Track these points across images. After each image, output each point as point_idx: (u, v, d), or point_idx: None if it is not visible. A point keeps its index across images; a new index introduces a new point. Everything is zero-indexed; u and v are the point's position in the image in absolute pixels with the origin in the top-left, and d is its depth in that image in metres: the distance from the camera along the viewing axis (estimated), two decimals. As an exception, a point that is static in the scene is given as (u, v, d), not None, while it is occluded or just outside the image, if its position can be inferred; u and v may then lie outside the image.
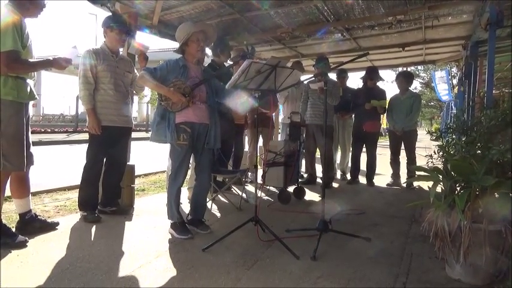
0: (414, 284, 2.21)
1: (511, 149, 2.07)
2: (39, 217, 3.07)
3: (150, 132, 3.09)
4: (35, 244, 2.73)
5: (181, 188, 3.12)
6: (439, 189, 2.36)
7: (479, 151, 2.24)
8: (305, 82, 5.15)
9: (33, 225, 2.95)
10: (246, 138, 5.60)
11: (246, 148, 5.50)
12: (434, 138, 2.55)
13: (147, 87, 3.26)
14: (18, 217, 2.97)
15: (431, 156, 2.50)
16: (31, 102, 2.85)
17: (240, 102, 3.03)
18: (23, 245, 2.65)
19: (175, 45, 3.23)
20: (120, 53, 3.64)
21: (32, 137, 2.93)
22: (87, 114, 3.34)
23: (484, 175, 2.11)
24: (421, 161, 2.78)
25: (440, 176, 2.36)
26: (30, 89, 2.73)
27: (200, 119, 3.01)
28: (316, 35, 5.46)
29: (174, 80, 2.94)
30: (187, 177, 3.79)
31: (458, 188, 2.33)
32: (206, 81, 3.06)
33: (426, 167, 2.51)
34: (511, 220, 2.06)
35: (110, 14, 3.62)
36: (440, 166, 2.43)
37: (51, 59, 2.75)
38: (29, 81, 2.71)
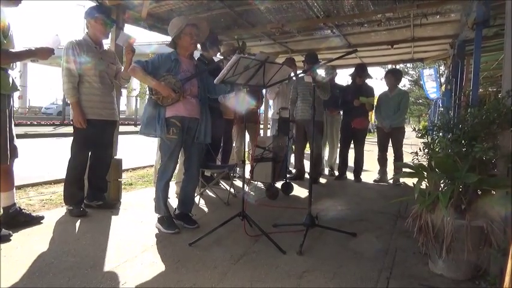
0: (398, 278, 2.25)
1: (493, 147, 2.11)
2: (23, 211, 3.03)
3: (140, 125, 3.07)
4: (19, 238, 2.70)
5: (170, 182, 3.11)
6: (423, 185, 2.41)
7: (463, 149, 2.28)
8: (299, 76, 5.12)
9: (17, 219, 2.91)
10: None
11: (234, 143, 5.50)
12: (420, 135, 2.58)
13: (138, 80, 3.22)
14: (1, 211, 2.92)
15: (416, 153, 2.53)
16: (17, 94, 2.80)
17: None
18: (6, 238, 2.62)
19: (164, 38, 3.19)
20: (104, 45, 3.57)
21: (18, 130, 2.88)
22: (72, 108, 3.28)
23: (467, 172, 2.15)
24: (408, 158, 2.81)
25: (425, 173, 2.40)
26: (13, 80, 2.67)
27: (190, 113, 3.00)
28: (310, 33, 5.44)
29: (164, 74, 2.92)
30: (176, 171, 3.77)
31: (442, 185, 2.37)
32: (197, 75, 3.04)
33: (412, 163, 2.54)
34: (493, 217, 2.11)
35: (95, 4, 3.57)
36: (426, 163, 2.46)
37: (34, 48, 2.70)
38: (10, 72, 2.66)
